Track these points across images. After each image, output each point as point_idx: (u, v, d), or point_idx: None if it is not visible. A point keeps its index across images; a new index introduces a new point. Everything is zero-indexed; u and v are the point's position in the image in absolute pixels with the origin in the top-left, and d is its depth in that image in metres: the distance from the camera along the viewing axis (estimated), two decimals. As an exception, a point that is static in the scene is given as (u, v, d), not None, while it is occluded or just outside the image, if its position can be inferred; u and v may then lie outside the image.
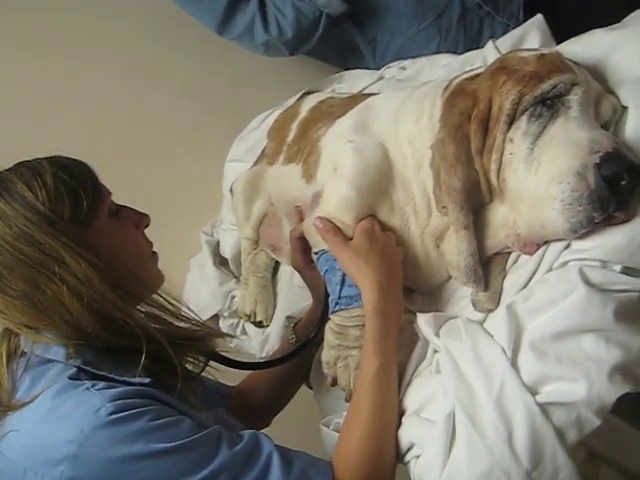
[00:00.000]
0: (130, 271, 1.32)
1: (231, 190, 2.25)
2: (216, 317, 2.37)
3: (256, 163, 2.19)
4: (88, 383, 1.17)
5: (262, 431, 1.33)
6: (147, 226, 1.50)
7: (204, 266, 2.49)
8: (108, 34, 2.58)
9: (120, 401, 1.14)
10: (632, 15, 1.40)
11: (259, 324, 2.14)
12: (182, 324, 1.39)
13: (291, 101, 2.21)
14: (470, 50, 2.16)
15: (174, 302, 1.40)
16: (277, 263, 2.23)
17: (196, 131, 2.74)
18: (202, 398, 1.37)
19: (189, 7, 2.36)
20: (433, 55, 2.10)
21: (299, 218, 1.75)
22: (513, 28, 2.13)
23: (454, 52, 2.23)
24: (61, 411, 1.14)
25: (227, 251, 2.41)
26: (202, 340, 1.42)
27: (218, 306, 2.34)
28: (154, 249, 1.52)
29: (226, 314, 2.33)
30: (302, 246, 1.65)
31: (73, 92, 2.55)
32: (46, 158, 1.33)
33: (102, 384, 1.17)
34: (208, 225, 2.62)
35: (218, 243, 2.52)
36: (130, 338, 1.24)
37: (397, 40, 2.32)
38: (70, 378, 1.19)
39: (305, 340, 1.67)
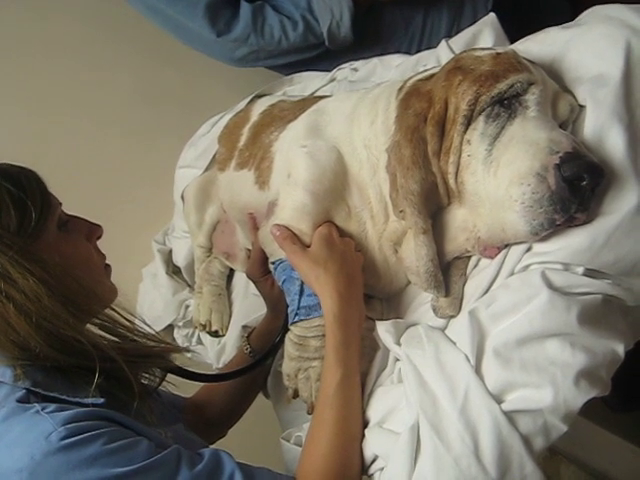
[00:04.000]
0: (82, 286, 1.26)
1: (182, 197, 2.21)
2: (171, 327, 2.34)
3: (207, 169, 2.15)
4: (38, 406, 1.11)
5: (223, 447, 1.29)
6: (99, 237, 1.45)
7: (157, 275, 2.44)
8: (52, 37, 2.52)
9: (73, 424, 1.08)
10: (586, 12, 1.39)
11: (215, 334, 2.10)
12: (138, 339, 1.34)
13: (241, 105, 2.18)
14: (453, 25, 2.22)
15: (128, 316, 1.34)
16: (231, 271, 2.19)
17: (144, 137, 2.69)
18: (159, 414, 1.32)
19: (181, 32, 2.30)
20: (385, 56, 2.08)
21: (252, 225, 1.72)
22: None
23: (438, 24, 2.28)
24: (9, 437, 1.08)
25: (180, 259, 2.37)
26: (159, 356, 1.37)
27: (172, 316, 2.30)
28: (106, 261, 1.46)
29: (181, 324, 2.30)
30: (263, 258, 1.61)
31: (17, 98, 2.47)
32: None
33: (53, 406, 1.11)
34: (160, 233, 2.57)
35: (170, 252, 2.47)
36: (82, 357, 1.19)
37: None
38: (18, 401, 1.12)
39: (265, 352, 1.64)
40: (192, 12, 2.16)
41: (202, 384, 1.74)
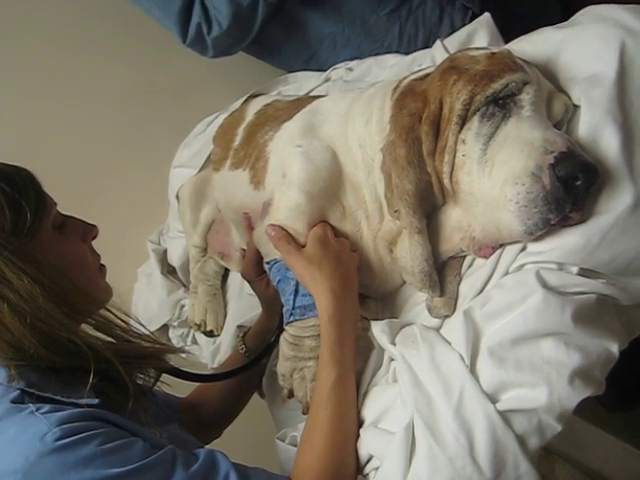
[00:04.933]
0: (76, 286, 1.25)
1: (177, 197, 2.21)
2: (165, 327, 2.33)
3: (202, 169, 2.15)
4: (32, 406, 1.10)
5: (218, 447, 1.29)
6: (95, 238, 1.44)
7: (152, 275, 2.44)
8: (46, 34, 2.51)
9: (67, 425, 1.07)
10: (580, 12, 1.39)
11: (210, 333, 2.10)
12: (133, 340, 1.33)
13: (236, 104, 2.17)
14: (429, 39, 2.18)
15: (123, 317, 1.34)
16: (226, 270, 2.19)
17: (140, 137, 2.69)
18: (154, 414, 1.32)
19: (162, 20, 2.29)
20: (380, 55, 2.08)
21: (247, 225, 1.72)
22: (471, 16, 2.14)
23: (414, 40, 2.27)
24: (3, 438, 1.07)
25: (175, 259, 2.36)
26: (154, 357, 1.36)
27: (167, 316, 2.30)
28: (101, 261, 1.46)
29: (176, 324, 2.29)
30: (258, 258, 1.61)
31: (11, 97, 2.47)
32: None
33: (48, 407, 1.11)
34: (154, 233, 2.57)
35: (165, 251, 2.47)
36: (77, 358, 1.18)
37: (358, 30, 2.30)
38: (13, 402, 1.12)
39: (260, 352, 1.64)
40: (167, 17, 2.19)
41: (197, 384, 1.73)
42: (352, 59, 2.23)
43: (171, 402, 1.64)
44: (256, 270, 1.67)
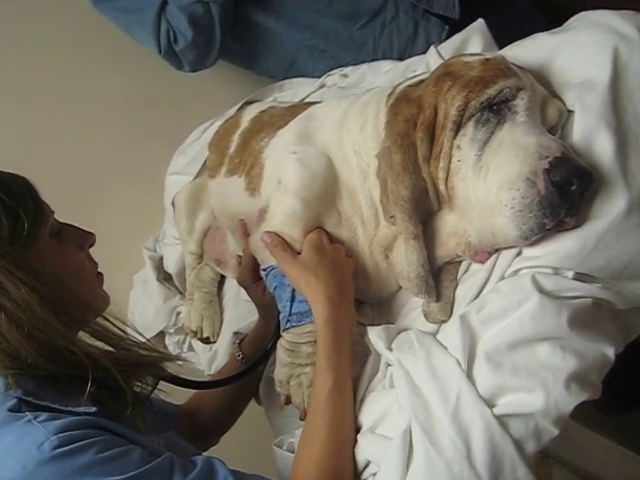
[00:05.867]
0: (74, 295, 1.24)
1: (173, 204, 2.21)
2: (162, 334, 2.33)
3: (198, 176, 2.15)
4: (30, 415, 1.10)
5: (215, 455, 1.28)
6: (92, 245, 1.44)
7: (148, 282, 2.44)
8: (42, 41, 2.51)
9: (65, 433, 1.07)
10: (574, 18, 1.40)
11: (206, 340, 2.10)
12: (130, 348, 1.33)
13: (231, 111, 2.17)
14: (405, 52, 2.23)
15: (120, 325, 1.33)
16: (222, 277, 2.19)
17: (135, 144, 2.68)
18: (151, 422, 1.31)
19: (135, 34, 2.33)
20: (375, 62, 2.09)
21: (243, 231, 1.72)
22: (448, 30, 2.16)
23: (390, 53, 2.31)
24: (0, 447, 1.07)
25: (171, 266, 2.36)
26: (152, 365, 1.36)
27: (163, 323, 2.30)
28: (98, 269, 1.45)
29: (172, 331, 2.29)
30: (254, 264, 1.61)
31: (7, 106, 2.47)
32: None
33: (45, 415, 1.10)
34: (150, 240, 2.57)
35: (161, 258, 2.47)
36: (74, 366, 1.17)
37: (332, 43, 2.33)
38: (10, 410, 1.11)
39: (257, 359, 1.64)
40: (143, 29, 2.23)
41: (194, 391, 1.73)
42: (330, 68, 2.26)
43: (168, 409, 1.63)
44: (252, 277, 1.67)
